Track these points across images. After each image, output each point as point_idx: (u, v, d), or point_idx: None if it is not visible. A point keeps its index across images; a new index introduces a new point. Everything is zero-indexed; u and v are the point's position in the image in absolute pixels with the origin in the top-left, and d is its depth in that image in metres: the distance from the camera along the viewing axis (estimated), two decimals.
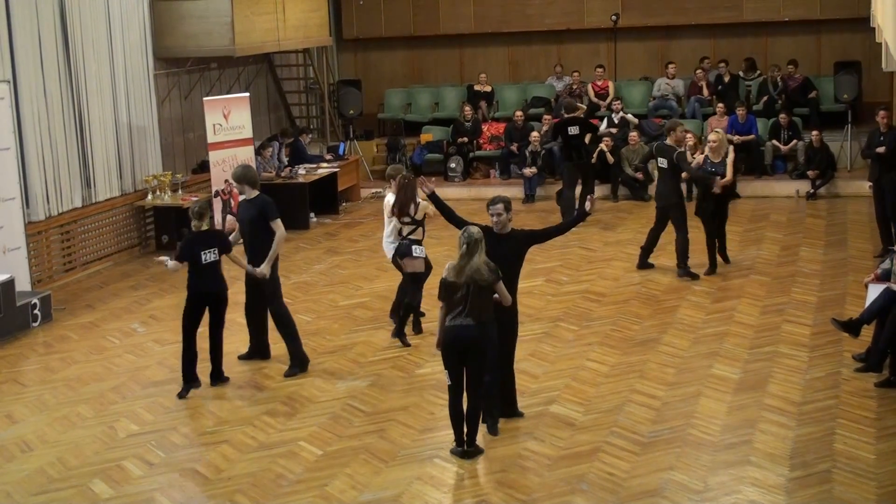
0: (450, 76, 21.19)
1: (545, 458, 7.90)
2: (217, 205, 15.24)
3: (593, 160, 17.23)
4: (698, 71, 19.00)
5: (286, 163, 16.81)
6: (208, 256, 9.31)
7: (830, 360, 9.70)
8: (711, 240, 12.67)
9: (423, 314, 10.91)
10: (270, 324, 10.07)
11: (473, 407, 7.89)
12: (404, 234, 10.50)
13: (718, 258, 12.80)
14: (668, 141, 12.63)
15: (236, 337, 10.42)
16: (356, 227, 16.28)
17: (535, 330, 10.83)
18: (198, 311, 9.41)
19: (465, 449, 7.91)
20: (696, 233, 12.76)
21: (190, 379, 9.47)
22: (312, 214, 16.68)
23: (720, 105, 17.87)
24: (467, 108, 19.06)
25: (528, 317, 11.19)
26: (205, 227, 9.44)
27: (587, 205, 8.75)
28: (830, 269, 12.70)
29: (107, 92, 14.50)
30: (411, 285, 10.56)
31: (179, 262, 9.37)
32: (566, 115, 15.68)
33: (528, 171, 17.48)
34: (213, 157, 15.25)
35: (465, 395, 7.88)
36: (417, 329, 10.80)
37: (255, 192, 9.75)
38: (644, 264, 12.95)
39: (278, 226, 9.67)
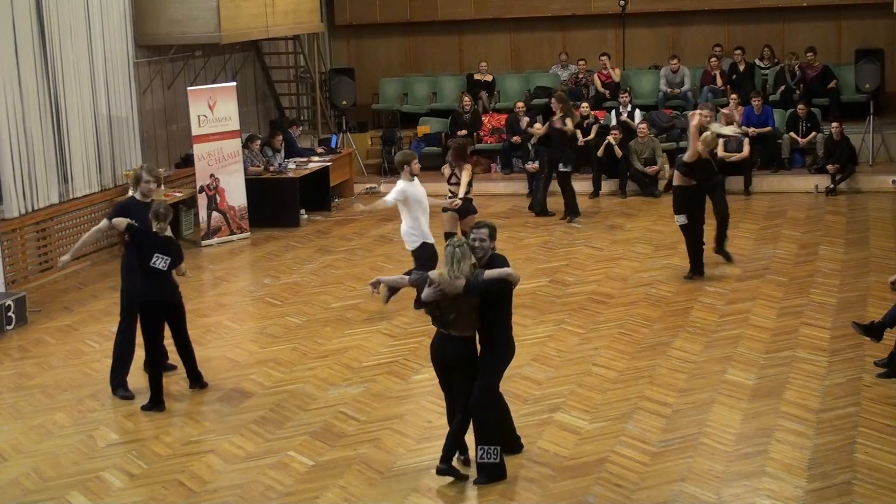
0: (448, 64, 21.20)
1: (549, 468, 7.91)
2: (202, 201, 15.26)
3: (600, 153, 17.31)
4: (711, 59, 19.02)
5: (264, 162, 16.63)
6: (159, 263, 9.25)
7: (851, 366, 9.71)
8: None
9: None
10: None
11: (457, 423, 7.72)
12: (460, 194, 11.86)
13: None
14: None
15: (235, 340, 10.44)
16: (349, 224, 16.29)
17: (538, 333, 10.85)
18: (155, 320, 9.36)
19: (438, 465, 7.72)
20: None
21: (156, 401, 9.39)
22: (303, 211, 16.69)
23: (734, 95, 17.88)
24: (467, 99, 19.06)
25: (532, 319, 11.23)
26: (167, 233, 9.36)
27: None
28: (851, 269, 12.71)
29: (85, 82, 14.50)
30: None
31: (109, 220, 9.67)
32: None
33: (531, 165, 17.48)
34: (198, 150, 15.26)
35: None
36: None
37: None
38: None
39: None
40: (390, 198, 11.31)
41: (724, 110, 16.77)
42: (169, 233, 9.52)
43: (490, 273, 7.52)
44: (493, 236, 7.76)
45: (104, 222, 9.94)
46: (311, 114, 20.45)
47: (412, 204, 11.26)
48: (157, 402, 9.34)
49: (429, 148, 18.89)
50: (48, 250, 13.88)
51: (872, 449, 8.02)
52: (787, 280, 12.39)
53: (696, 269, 12.49)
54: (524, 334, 10.45)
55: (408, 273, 10.27)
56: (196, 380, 9.76)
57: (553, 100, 15.95)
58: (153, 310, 9.33)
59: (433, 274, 7.67)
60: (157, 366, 9.43)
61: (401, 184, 11.29)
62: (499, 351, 7.72)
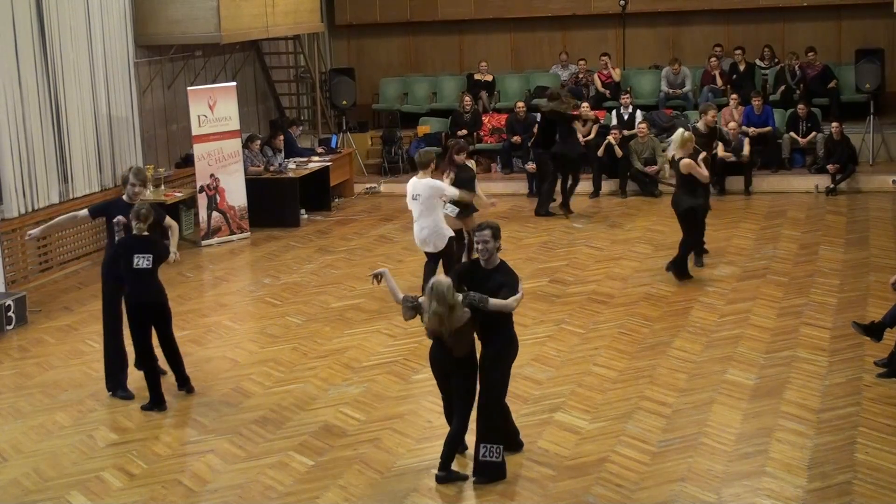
0: (448, 64, 21.21)
1: (549, 468, 7.91)
2: (202, 201, 15.25)
3: (600, 153, 17.31)
4: (711, 59, 19.02)
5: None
6: (142, 262, 9.15)
7: (851, 366, 9.71)
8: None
9: None
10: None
11: (455, 429, 7.72)
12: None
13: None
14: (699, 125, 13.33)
15: (234, 340, 10.44)
16: (349, 224, 16.30)
17: (538, 333, 10.85)
18: (142, 322, 9.30)
19: (437, 473, 7.71)
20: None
21: (156, 400, 9.36)
22: (303, 211, 16.69)
23: (734, 95, 17.88)
24: (467, 99, 19.07)
25: (532, 319, 11.22)
26: (145, 233, 9.23)
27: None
28: (851, 269, 12.71)
29: (85, 81, 14.50)
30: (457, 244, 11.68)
31: (91, 215, 9.93)
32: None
33: (531, 165, 17.46)
34: (198, 150, 15.26)
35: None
36: None
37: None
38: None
39: None
40: (453, 210, 11.66)
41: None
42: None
43: (494, 303, 7.47)
44: (496, 236, 7.72)
45: (84, 212, 10.06)
46: (311, 114, 20.45)
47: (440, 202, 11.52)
48: (157, 402, 9.33)
49: (429, 148, 18.85)
50: (48, 250, 13.87)
51: (872, 449, 8.02)
52: (787, 280, 12.39)
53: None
54: (524, 334, 10.41)
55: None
56: (184, 383, 9.67)
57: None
58: (140, 311, 9.29)
59: (424, 302, 7.57)
60: (151, 366, 9.41)
61: (437, 183, 11.39)
62: (500, 346, 7.70)
